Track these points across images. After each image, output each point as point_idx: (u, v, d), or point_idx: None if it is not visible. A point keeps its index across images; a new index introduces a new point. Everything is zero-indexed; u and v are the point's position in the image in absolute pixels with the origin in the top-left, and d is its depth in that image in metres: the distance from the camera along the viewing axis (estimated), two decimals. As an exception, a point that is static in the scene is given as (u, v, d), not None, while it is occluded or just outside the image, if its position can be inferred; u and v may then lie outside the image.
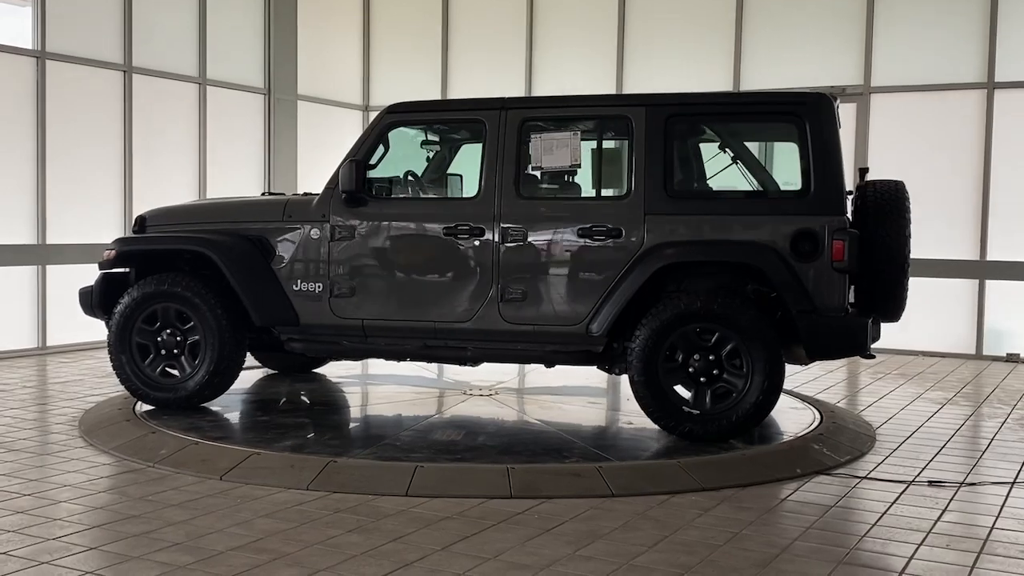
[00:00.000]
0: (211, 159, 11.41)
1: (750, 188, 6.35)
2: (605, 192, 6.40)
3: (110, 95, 10.37)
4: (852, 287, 6.13)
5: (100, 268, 6.91)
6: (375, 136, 6.57)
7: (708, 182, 6.60)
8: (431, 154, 7.16)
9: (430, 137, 7.14)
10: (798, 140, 6.03)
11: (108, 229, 10.39)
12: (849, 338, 5.89)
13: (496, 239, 6.26)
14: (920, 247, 10.43)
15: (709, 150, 6.63)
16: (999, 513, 4.88)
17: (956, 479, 5.49)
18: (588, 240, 6.12)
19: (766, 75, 11.21)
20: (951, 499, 5.11)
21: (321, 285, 6.57)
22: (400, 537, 4.37)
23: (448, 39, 13.06)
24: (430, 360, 6.77)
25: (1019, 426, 6.96)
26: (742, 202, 6.19)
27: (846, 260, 5.79)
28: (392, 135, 6.65)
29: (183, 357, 6.68)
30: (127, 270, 6.96)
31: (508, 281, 6.25)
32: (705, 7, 11.57)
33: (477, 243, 6.30)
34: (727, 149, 6.46)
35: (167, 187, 10.96)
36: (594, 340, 6.12)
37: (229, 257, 6.60)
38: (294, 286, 6.63)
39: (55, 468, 5.44)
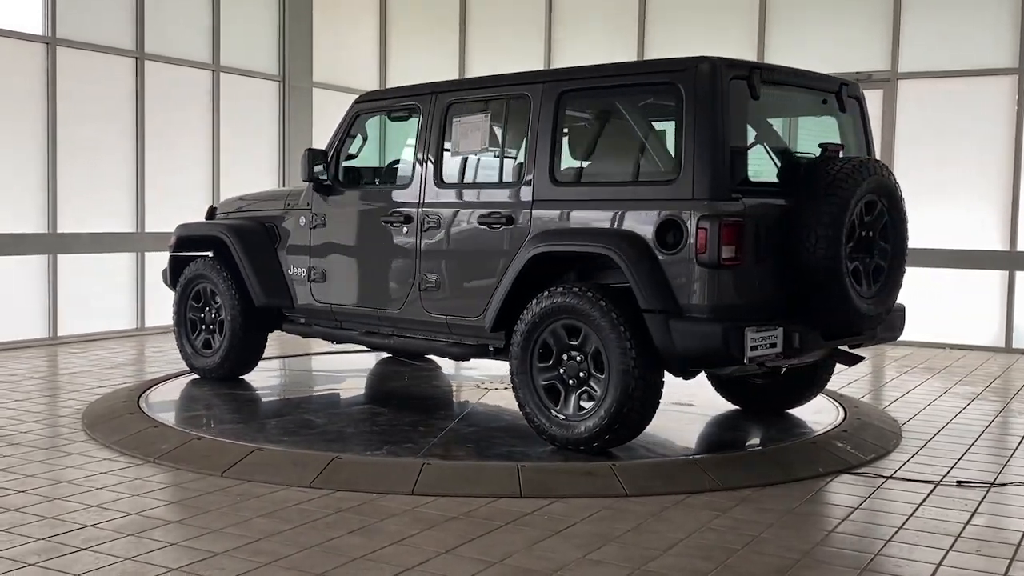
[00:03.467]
0: (225, 147, 11.27)
1: (628, 171, 5.75)
2: (506, 178, 6.02)
3: (121, 82, 10.24)
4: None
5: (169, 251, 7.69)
6: (345, 126, 6.78)
7: (592, 165, 6.01)
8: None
9: (395, 125, 7.13)
10: (675, 115, 5.29)
11: (121, 217, 10.28)
12: (702, 345, 5.00)
13: (419, 227, 6.19)
14: (948, 237, 10.28)
15: (596, 130, 6.14)
16: (1032, 516, 4.67)
17: (986, 479, 5.26)
18: (487, 228, 5.87)
19: (793, 59, 10.92)
20: (981, 500, 4.88)
21: (304, 270, 6.91)
22: (403, 539, 4.19)
23: (465, 20, 12.85)
24: (379, 349, 6.92)
25: (1051, 423, 6.72)
26: (618, 187, 5.52)
27: (709, 252, 4.98)
28: (371, 124, 6.84)
29: (216, 333, 7.34)
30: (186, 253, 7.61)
31: (426, 271, 6.17)
32: (728, -9, 11.34)
33: (405, 231, 6.28)
34: (612, 128, 6.02)
35: (180, 175, 10.84)
36: (492, 335, 5.82)
37: (239, 243, 7.07)
38: (289, 270, 7.01)
39: (53, 464, 5.30)
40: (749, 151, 5.43)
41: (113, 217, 10.21)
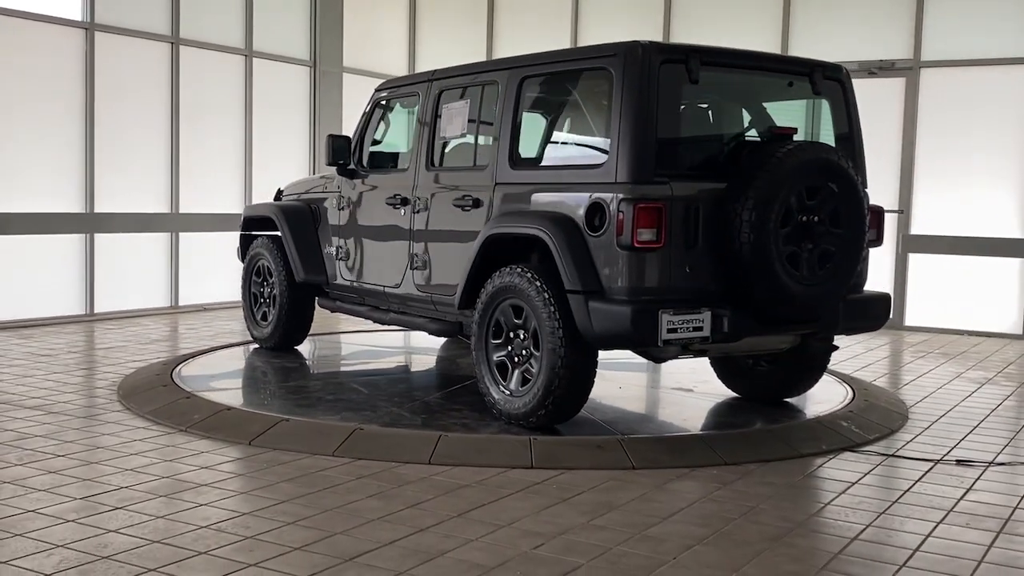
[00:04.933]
0: (257, 131, 11.55)
1: (570, 155, 5.89)
2: (478, 162, 6.18)
3: (158, 67, 10.53)
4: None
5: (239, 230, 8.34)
6: (367, 113, 7.16)
7: (541, 149, 6.15)
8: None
9: (411, 111, 7.36)
10: (608, 99, 5.35)
11: (156, 198, 10.59)
12: (616, 326, 5.06)
13: (412, 209, 6.52)
14: (967, 225, 10.38)
15: (547, 114, 6.32)
16: (1024, 493, 4.83)
17: (986, 459, 5.43)
18: (461, 210, 6.10)
19: (815, 47, 11.02)
20: (977, 478, 5.05)
21: (335, 249, 7.33)
22: (418, 503, 4.43)
23: (493, 5, 13.02)
24: (381, 323, 7.22)
25: (1058, 407, 6.85)
26: (561, 171, 5.64)
27: (626, 235, 5.03)
28: (393, 110, 7.18)
29: (270, 306, 7.91)
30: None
31: (416, 250, 6.50)
32: (753, -21, 11.45)
33: (403, 212, 6.60)
34: (560, 113, 6.21)
35: (213, 158, 11.13)
36: (464, 313, 6.04)
37: (285, 222, 7.57)
38: (325, 248, 7.44)
39: (90, 432, 5.59)
40: (687, 135, 5.56)
41: (149, 198, 10.51)
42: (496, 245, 5.72)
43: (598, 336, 5.20)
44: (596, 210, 5.22)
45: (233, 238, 11.45)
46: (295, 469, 4.93)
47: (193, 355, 7.73)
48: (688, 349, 5.35)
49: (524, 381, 5.56)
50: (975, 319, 10.38)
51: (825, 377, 7.33)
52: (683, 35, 11.71)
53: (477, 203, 5.98)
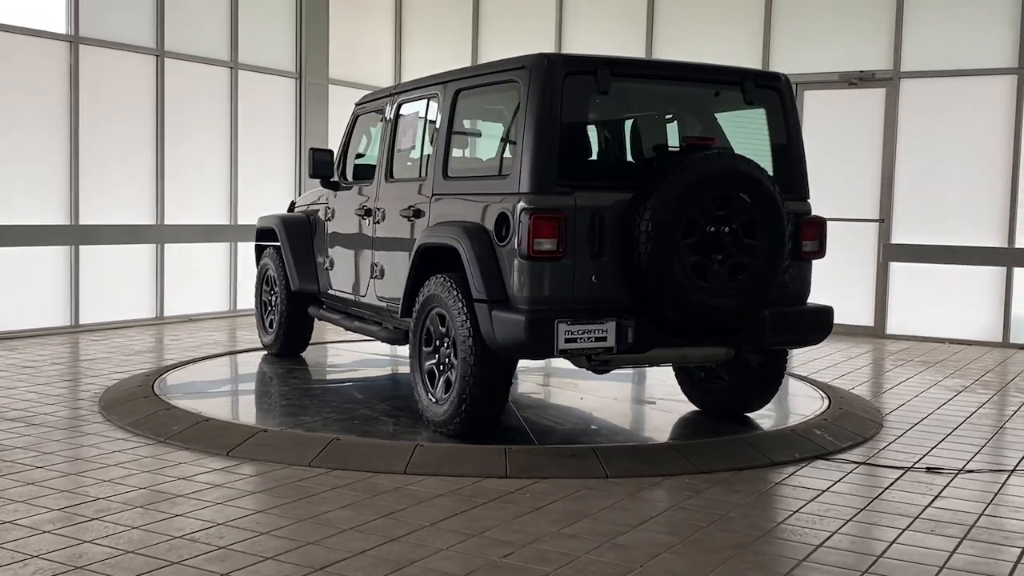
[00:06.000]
0: (243, 142, 11.60)
1: (488, 166, 5.96)
2: (421, 174, 6.25)
3: (143, 79, 10.58)
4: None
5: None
6: (348, 127, 7.34)
7: (465, 161, 6.27)
8: None
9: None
10: (517, 110, 5.39)
11: (141, 210, 10.63)
12: (513, 335, 5.08)
13: (374, 220, 6.70)
14: (948, 234, 10.47)
15: (472, 127, 6.46)
16: (991, 500, 4.89)
17: (956, 466, 5.49)
18: (406, 221, 6.22)
19: (796, 58, 11.16)
20: (946, 486, 5.12)
21: (323, 259, 7.53)
22: (391, 513, 4.48)
23: (479, 16, 13.12)
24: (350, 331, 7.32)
25: (1032, 414, 6.93)
26: (480, 181, 5.70)
27: (525, 245, 5.06)
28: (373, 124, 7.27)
29: (275, 314, 8.18)
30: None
31: (376, 260, 6.66)
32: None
33: (367, 223, 6.78)
34: (482, 125, 6.38)
35: (199, 171, 11.18)
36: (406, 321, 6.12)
37: (284, 234, 7.82)
38: (317, 259, 7.64)
39: (70, 443, 5.63)
40: (597, 145, 5.64)
41: (134, 209, 10.56)
42: (429, 255, 5.79)
43: (500, 345, 5.22)
44: (503, 220, 5.27)
45: (219, 248, 11.53)
46: (271, 480, 4.98)
47: (175, 366, 7.77)
48: (594, 360, 5.32)
49: (447, 389, 5.62)
50: (956, 327, 10.47)
51: (801, 386, 7.45)
52: (665, 46, 11.81)
53: (418, 214, 6.09)
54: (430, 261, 5.79)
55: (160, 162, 10.72)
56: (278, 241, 7.96)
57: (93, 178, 10.11)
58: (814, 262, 5.87)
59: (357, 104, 7.46)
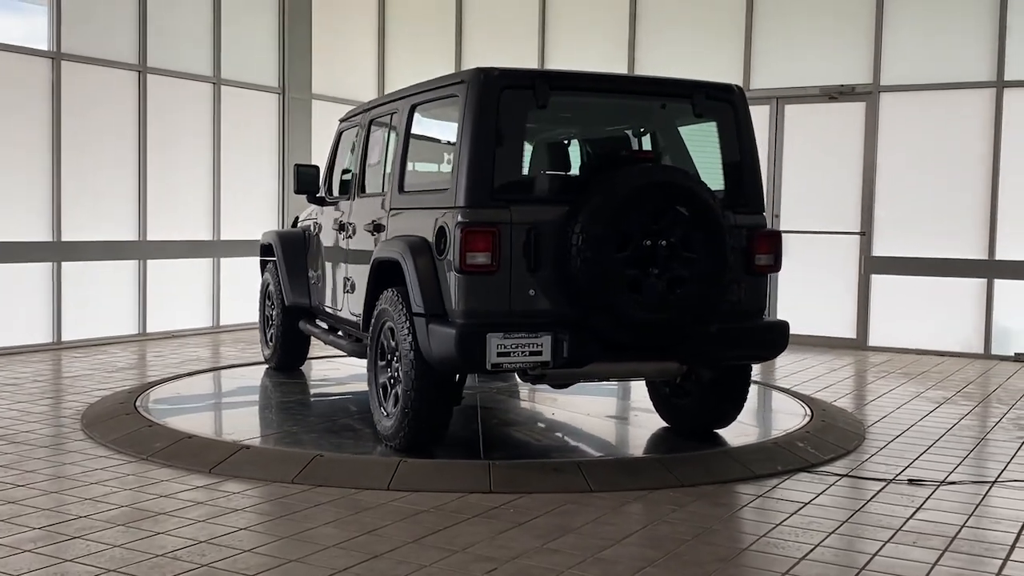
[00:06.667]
0: (226, 158, 11.59)
1: (433, 181, 6.06)
2: (384, 189, 6.27)
3: (125, 95, 10.56)
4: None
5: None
6: (334, 143, 7.41)
7: (417, 176, 6.27)
8: None
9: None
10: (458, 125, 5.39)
11: (123, 226, 10.60)
12: (446, 349, 5.07)
13: (347, 235, 6.76)
14: (929, 246, 10.54)
15: (423, 141, 6.40)
16: (973, 512, 4.92)
17: (938, 478, 5.52)
18: (369, 235, 6.28)
19: (777, 73, 11.24)
20: (927, 497, 5.14)
21: (312, 273, 7.59)
22: (375, 529, 4.47)
23: (462, 31, 13.17)
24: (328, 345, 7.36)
25: (1014, 426, 6.96)
26: (426, 195, 5.67)
27: (458, 259, 5.06)
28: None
29: (274, 328, 8.27)
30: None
31: (348, 274, 6.72)
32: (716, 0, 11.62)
33: (342, 238, 6.86)
34: (431, 140, 6.39)
35: (182, 186, 11.16)
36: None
37: (280, 249, 7.91)
38: (308, 273, 7.70)
39: (52, 461, 5.60)
40: (535, 159, 5.69)
41: (117, 225, 10.53)
42: (383, 269, 5.79)
43: (435, 358, 5.20)
44: (441, 234, 5.27)
45: (202, 264, 11.51)
46: (254, 497, 4.96)
47: (157, 383, 7.74)
48: (529, 374, 5.27)
49: (396, 402, 5.61)
50: (938, 339, 10.53)
51: (784, 398, 7.47)
52: (647, 55, 11.87)
53: (379, 228, 6.14)
54: (384, 275, 5.78)
55: (143, 178, 10.70)
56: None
57: (75, 194, 10.08)
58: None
59: (341, 120, 7.56)
